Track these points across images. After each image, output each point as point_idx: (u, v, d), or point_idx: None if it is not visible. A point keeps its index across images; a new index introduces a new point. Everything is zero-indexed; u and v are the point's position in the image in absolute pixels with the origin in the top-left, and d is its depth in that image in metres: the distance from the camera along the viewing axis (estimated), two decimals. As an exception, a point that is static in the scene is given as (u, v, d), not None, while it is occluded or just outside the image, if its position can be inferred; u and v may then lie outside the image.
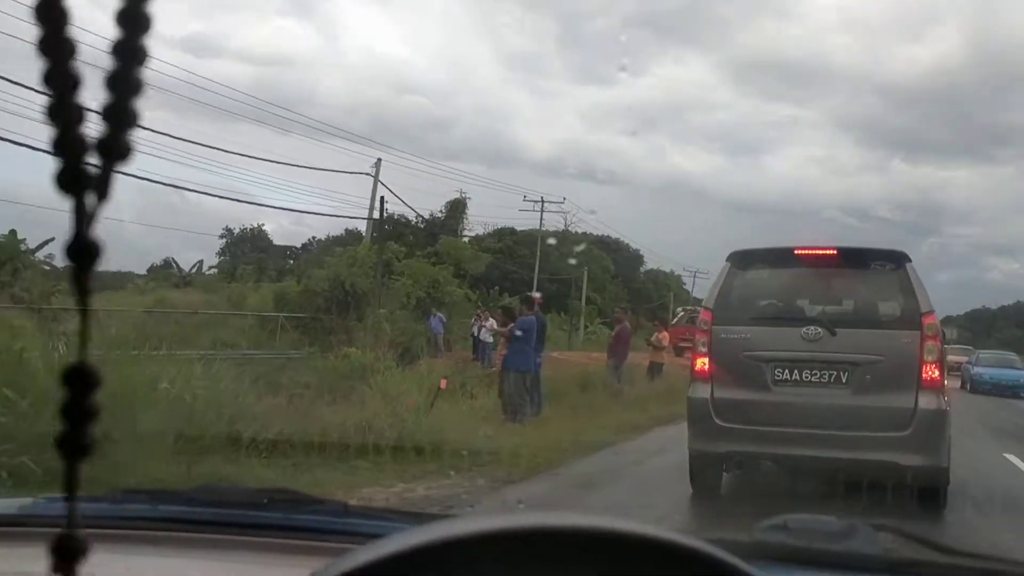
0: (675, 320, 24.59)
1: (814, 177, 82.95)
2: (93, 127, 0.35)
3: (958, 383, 21.03)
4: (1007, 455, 8.24)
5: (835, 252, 5.55)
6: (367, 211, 23.77)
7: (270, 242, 42.96)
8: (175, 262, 39.16)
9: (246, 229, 42.16)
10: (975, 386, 20.62)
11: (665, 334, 14.96)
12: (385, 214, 23.61)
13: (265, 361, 19.48)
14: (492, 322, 15.33)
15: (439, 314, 20.03)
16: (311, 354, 18.63)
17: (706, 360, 5.28)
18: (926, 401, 4.94)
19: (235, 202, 29.95)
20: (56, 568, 0.34)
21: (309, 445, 5.59)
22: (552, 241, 30.12)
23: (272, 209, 72.05)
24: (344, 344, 18.26)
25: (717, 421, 5.13)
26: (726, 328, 5.31)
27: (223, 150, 29.73)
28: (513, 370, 8.85)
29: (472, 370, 14.15)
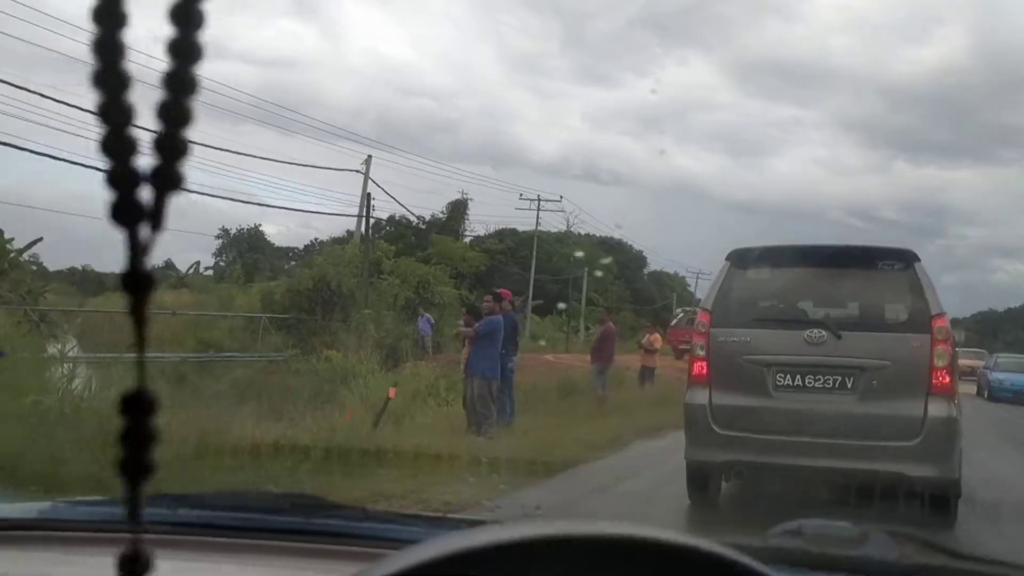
0: (674, 322, 23.86)
1: (818, 178, 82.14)
2: (145, 158, 0.35)
3: (973, 389, 19.84)
4: None
5: (840, 251, 5.38)
6: (360, 210, 23.12)
7: (267, 243, 42.38)
8: (173, 263, 38.73)
9: (243, 230, 41.63)
10: (994, 393, 18.84)
11: (656, 336, 14.05)
12: (374, 212, 22.97)
13: (247, 364, 18.88)
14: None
15: (427, 315, 19.35)
16: (293, 357, 18.02)
17: (704, 364, 5.09)
18: (936, 409, 4.74)
19: (237, 203, 29.51)
20: None
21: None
22: (550, 234, 29.35)
23: (273, 210, 71.96)
24: (328, 346, 17.64)
25: (715, 429, 4.96)
26: (725, 331, 5.10)
27: (219, 149, 29.06)
28: (478, 375, 7.88)
29: (457, 374, 13.47)
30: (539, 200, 30.58)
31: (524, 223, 35.03)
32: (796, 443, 4.77)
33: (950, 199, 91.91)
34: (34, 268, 24.41)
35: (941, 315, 4.92)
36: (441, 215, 32.31)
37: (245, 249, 41.28)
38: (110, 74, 0.33)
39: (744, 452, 4.88)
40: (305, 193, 69.82)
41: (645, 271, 47.50)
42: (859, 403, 4.82)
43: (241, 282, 27.07)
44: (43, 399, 5.87)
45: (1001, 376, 19.30)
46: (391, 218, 32.38)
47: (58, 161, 16.39)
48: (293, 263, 38.70)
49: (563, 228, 32.97)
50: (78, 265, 37.86)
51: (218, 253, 41.06)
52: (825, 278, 5.39)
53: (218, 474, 4.81)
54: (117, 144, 0.34)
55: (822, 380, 4.91)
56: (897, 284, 5.12)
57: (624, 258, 43.55)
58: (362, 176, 22.65)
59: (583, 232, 35.10)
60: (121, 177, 0.34)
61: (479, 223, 35.37)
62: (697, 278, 42.43)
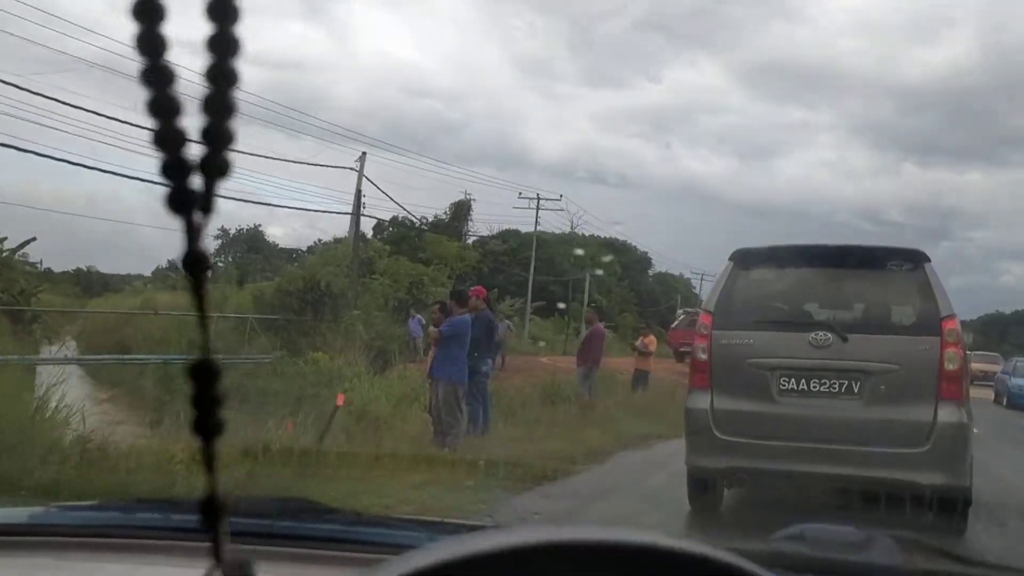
0: (675, 323, 23.23)
1: (826, 180, 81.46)
2: (194, 149, 0.37)
3: (990, 395, 18.77)
4: None
5: (847, 251, 5.25)
6: (363, 209, 22.60)
7: (267, 243, 41.93)
8: (174, 264, 38.30)
9: (242, 230, 41.21)
10: (1013, 400, 17.74)
11: (652, 338, 13.31)
12: (376, 213, 22.43)
13: (232, 366, 18.34)
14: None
15: (418, 316, 18.76)
16: (279, 359, 17.49)
17: (705, 367, 4.99)
18: (946, 414, 4.61)
19: (244, 204, 29.14)
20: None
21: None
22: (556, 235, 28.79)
23: (281, 211, 71.93)
24: (317, 347, 17.09)
25: (717, 434, 4.84)
26: (727, 333, 4.99)
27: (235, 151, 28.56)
28: (443, 380, 7.16)
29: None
30: (538, 199, 30.03)
31: (527, 224, 34.57)
32: (800, 449, 4.65)
33: (959, 202, 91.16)
34: (29, 268, 24.02)
35: (951, 317, 4.78)
36: (444, 216, 31.79)
37: (244, 250, 40.84)
38: (157, 70, 0.35)
39: (746, 458, 4.77)
40: (310, 194, 69.76)
41: (650, 272, 46.92)
42: (866, 408, 4.70)
43: (234, 282, 26.57)
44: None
45: (1021, 382, 18.25)
46: (394, 219, 31.89)
47: (61, 163, 15.96)
48: (296, 263, 38.29)
49: (567, 229, 32.48)
50: (83, 266, 37.57)
51: (216, 254, 40.68)
52: (831, 279, 5.24)
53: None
54: (169, 137, 0.35)
55: (827, 384, 4.79)
56: (906, 285, 4.99)
57: (629, 259, 42.98)
58: (364, 175, 22.12)
59: (587, 233, 34.57)
60: (175, 168, 0.35)
61: (483, 224, 34.87)
62: (702, 280, 41.92)
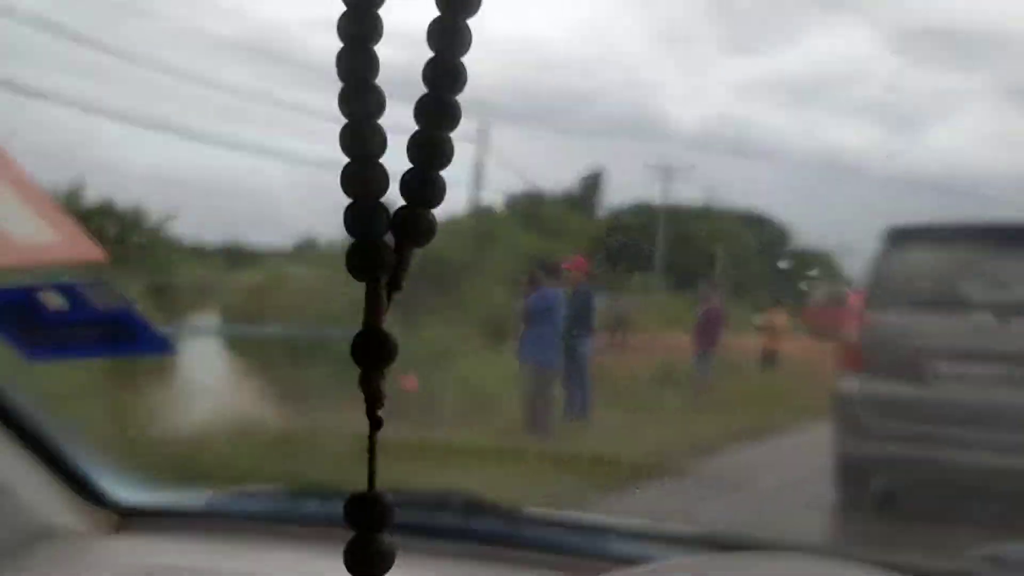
0: (815, 300, 21.62)
1: (982, 152, 74.93)
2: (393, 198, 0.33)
3: None
4: None
5: (1013, 228, 5.15)
6: (484, 182, 22.37)
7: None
8: (315, 237, 39.99)
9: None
10: None
11: (780, 315, 12.22)
12: (508, 188, 22.11)
13: (346, 340, 18.62)
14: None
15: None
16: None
17: (857, 349, 4.97)
18: None
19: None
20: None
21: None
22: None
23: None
24: (430, 321, 16.93)
25: (868, 420, 4.75)
26: (881, 313, 4.99)
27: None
28: (530, 363, 6.53)
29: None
30: (670, 171, 28.80)
31: (659, 198, 33.41)
32: (958, 437, 4.53)
33: None
34: (172, 241, 25.35)
35: None
36: (574, 189, 31.26)
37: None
38: (360, 99, 0.32)
39: (900, 447, 4.66)
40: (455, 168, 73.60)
41: (789, 247, 44.87)
42: None
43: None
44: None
45: None
46: (524, 193, 31.62)
47: (214, 143, 16.70)
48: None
49: (701, 202, 31.19)
50: (227, 239, 39.72)
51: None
52: (995, 258, 5.13)
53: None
54: (363, 182, 0.31)
55: (989, 369, 4.72)
56: None
57: (765, 234, 41.08)
58: (499, 148, 21.81)
59: (722, 207, 33.08)
60: (365, 220, 0.31)
61: (615, 197, 34.20)
62: (844, 255, 39.49)
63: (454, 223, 24.15)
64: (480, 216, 21.77)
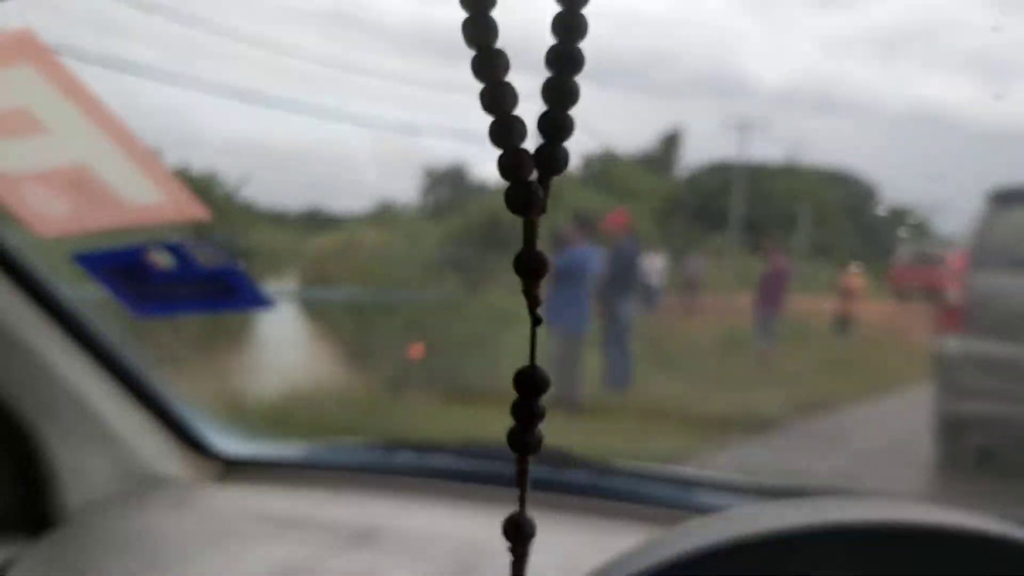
0: (902, 260, 20.77)
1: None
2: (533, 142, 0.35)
3: None
4: None
5: None
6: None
7: (472, 181, 42.70)
8: (392, 202, 40.18)
9: (448, 170, 42.30)
10: None
11: (856, 276, 11.48)
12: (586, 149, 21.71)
13: (415, 304, 18.62)
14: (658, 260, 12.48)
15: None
16: (450, 298, 17.47)
17: (959, 310, 4.97)
18: None
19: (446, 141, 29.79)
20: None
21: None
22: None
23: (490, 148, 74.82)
24: (494, 285, 16.90)
25: (970, 379, 4.81)
26: (985, 274, 4.97)
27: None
28: (558, 328, 5.80)
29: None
30: (746, 127, 27.88)
31: (741, 156, 32.50)
32: None
33: None
34: (250, 207, 25.86)
35: None
36: (650, 150, 30.65)
37: (450, 188, 41.92)
38: (491, 59, 0.33)
39: (1001, 405, 4.74)
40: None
41: (877, 205, 43.14)
42: None
43: (428, 219, 27.17)
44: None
45: None
46: (599, 153, 31.13)
47: (293, 110, 16.91)
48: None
49: (783, 160, 30.26)
50: (306, 204, 40.32)
51: (424, 192, 42.09)
52: None
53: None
54: (506, 132, 0.34)
55: None
56: None
57: (853, 192, 39.59)
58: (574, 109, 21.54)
59: (806, 165, 32.00)
60: (513, 164, 0.34)
61: (694, 157, 33.36)
62: (935, 214, 37.78)
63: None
64: (539, 177, 21.50)
